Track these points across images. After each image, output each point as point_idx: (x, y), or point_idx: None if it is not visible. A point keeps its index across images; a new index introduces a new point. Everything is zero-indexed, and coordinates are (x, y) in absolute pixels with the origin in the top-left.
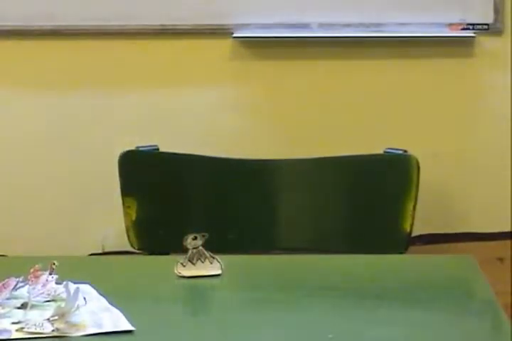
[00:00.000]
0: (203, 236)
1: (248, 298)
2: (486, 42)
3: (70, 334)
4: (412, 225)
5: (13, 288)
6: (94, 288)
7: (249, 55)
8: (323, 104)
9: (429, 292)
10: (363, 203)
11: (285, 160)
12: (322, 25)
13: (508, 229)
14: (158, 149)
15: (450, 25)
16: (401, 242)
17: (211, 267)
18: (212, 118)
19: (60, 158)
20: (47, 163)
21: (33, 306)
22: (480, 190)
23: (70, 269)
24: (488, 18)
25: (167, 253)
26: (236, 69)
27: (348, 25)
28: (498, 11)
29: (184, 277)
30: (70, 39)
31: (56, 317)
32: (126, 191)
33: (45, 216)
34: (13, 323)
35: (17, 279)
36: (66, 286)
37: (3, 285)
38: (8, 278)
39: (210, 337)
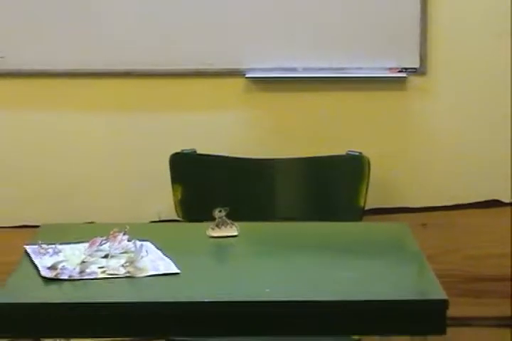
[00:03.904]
0: (226, 209)
1: (256, 251)
2: (415, 81)
3: (136, 275)
4: (364, 202)
5: (99, 244)
6: (153, 244)
7: (256, 89)
8: (307, 122)
9: (375, 247)
10: (332, 188)
11: (282, 159)
12: (305, 69)
13: (430, 205)
14: (196, 152)
15: (390, 68)
16: (357, 214)
17: (231, 230)
18: (231, 132)
19: (134, 158)
20: (127, 161)
21: (112, 256)
22: (409, 178)
23: (137, 232)
24: (416, 64)
25: (202, 221)
26: (247, 99)
27: (322, 69)
28: (422, 59)
29: (213, 237)
30: (134, 78)
31: (128, 264)
32: (174, 180)
33: (122, 196)
34: (99, 268)
35: (101, 238)
36: (134, 243)
37: (92, 242)
38: (95, 237)
39: (229, 278)
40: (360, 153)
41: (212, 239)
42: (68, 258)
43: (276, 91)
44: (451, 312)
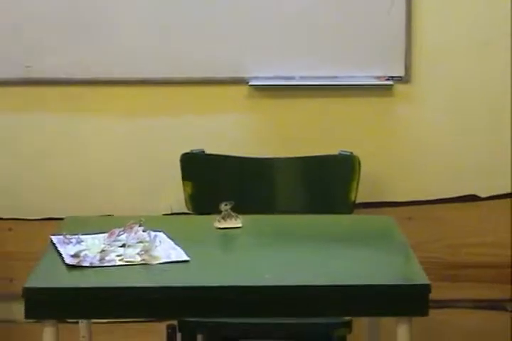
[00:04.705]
0: (231, 203)
1: (258, 241)
2: (400, 88)
3: (150, 262)
4: (355, 197)
5: (117, 235)
6: (166, 235)
7: (258, 95)
8: (303, 125)
9: (365, 237)
10: (326, 184)
11: (281, 158)
12: (302, 77)
13: (414, 199)
14: (204, 152)
15: (378, 77)
16: (349, 207)
17: (236, 222)
18: (236, 134)
19: (148, 158)
20: (142, 160)
21: (128, 246)
22: (396, 175)
23: (151, 223)
24: (401, 73)
25: (209, 214)
26: (250, 105)
27: (317, 77)
28: (407, 68)
29: (219, 228)
30: (149, 86)
31: (143, 252)
32: (185, 177)
33: (138, 192)
34: (117, 256)
35: (119, 229)
36: (149, 233)
37: (111, 233)
38: (114, 228)
39: (234, 265)
40: (352, 152)
41: (219, 230)
42: (89, 247)
43: (277, 97)
44: (433, 295)
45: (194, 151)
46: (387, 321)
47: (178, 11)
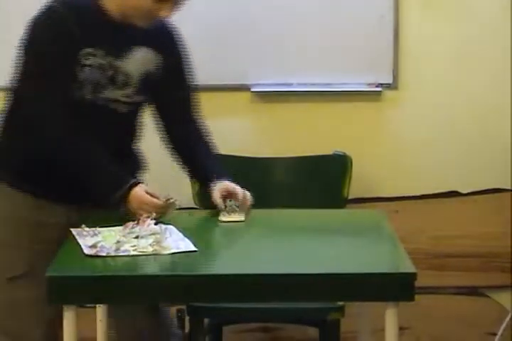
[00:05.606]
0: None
1: (259, 233)
2: (388, 94)
3: (161, 253)
4: (348, 193)
5: (131, 227)
6: (175, 227)
7: (260, 100)
8: (301, 127)
9: (357, 229)
10: (321, 181)
11: (280, 157)
12: (299, 84)
13: (401, 195)
14: None
15: (369, 84)
16: (342, 202)
17: (239, 216)
18: (239, 136)
19: (161, 158)
20: (154, 160)
21: (141, 237)
22: (384, 173)
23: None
24: (390, 80)
25: (215, 208)
26: (253, 109)
27: (313, 84)
28: (394, 76)
29: (224, 221)
30: None
31: (154, 243)
32: None
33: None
34: (131, 246)
35: (133, 222)
36: (160, 226)
37: (125, 225)
38: (128, 222)
39: (238, 254)
40: (345, 153)
41: (224, 224)
42: (106, 238)
43: (276, 102)
44: (418, 282)
45: None
46: (376, 306)
47: (191, 27)
